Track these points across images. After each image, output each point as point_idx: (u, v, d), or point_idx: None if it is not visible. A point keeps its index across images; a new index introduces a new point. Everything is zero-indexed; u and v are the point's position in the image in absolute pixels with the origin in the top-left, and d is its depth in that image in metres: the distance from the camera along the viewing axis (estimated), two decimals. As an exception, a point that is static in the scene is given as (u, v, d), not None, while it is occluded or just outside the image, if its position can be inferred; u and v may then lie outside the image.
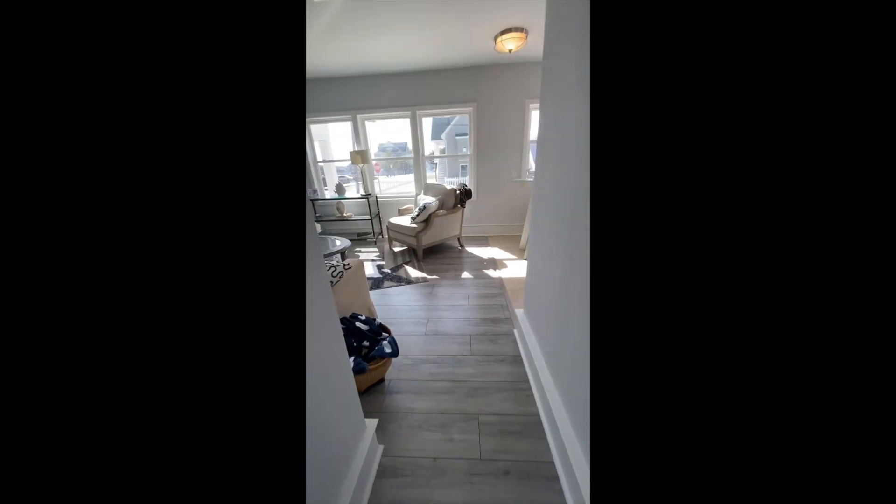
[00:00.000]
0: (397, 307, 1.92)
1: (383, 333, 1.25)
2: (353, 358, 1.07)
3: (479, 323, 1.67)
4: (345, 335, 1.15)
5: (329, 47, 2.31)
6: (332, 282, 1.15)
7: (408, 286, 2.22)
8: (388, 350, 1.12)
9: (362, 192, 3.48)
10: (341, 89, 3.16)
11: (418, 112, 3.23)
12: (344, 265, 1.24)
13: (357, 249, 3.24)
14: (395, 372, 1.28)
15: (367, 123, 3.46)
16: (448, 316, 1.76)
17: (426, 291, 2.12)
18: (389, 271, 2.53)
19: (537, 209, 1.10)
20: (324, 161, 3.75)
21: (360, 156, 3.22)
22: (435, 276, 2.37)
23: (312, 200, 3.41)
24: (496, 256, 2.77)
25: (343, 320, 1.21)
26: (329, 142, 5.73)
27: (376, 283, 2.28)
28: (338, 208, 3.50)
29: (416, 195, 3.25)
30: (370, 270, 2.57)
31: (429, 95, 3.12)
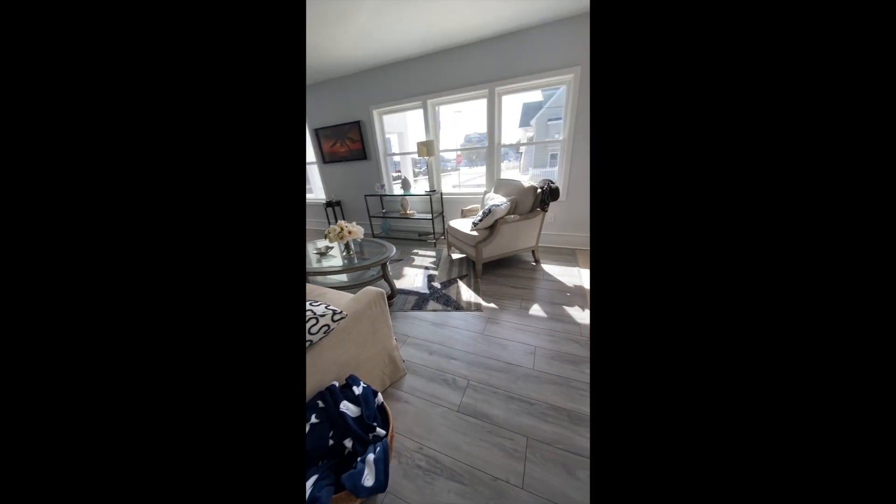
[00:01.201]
0: (432, 347, 1.46)
1: (378, 430, 0.80)
2: (312, 478, 0.66)
3: (546, 414, 1.02)
4: (315, 427, 0.75)
5: (395, 22, 1.95)
6: (309, 341, 0.75)
7: (455, 313, 1.73)
8: (367, 482, 0.66)
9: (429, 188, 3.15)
10: (411, 71, 2.82)
11: (497, 89, 2.58)
12: (334, 314, 0.84)
13: (415, 251, 2.96)
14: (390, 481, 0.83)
15: (445, 110, 3.05)
16: (498, 384, 1.18)
17: (476, 328, 1.58)
18: (439, 286, 2.10)
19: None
20: (393, 154, 3.58)
21: (425, 147, 2.85)
22: (492, 305, 1.79)
23: (380, 196, 3.29)
24: (586, 285, 1.95)
25: (321, 395, 0.82)
26: (407, 133, 5.67)
27: (419, 303, 1.88)
28: (402, 205, 3.28)
29: (485, 193, 2.66)
30: (418, 282, 2.20)
31: (512, 65, 2.42)
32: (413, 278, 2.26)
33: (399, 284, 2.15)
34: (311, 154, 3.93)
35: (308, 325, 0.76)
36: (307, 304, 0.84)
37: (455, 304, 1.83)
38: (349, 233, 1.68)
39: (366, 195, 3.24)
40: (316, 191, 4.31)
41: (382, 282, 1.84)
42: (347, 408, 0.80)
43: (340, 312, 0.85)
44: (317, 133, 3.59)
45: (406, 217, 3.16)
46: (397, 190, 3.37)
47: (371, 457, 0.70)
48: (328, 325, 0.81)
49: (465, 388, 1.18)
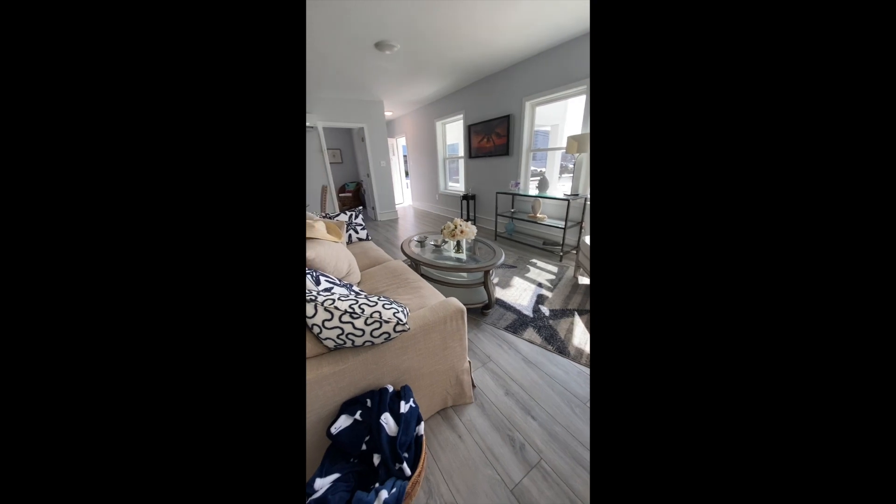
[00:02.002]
0: (512, 387, 1.21)
1: (405, 467, 0.71)
2: (333, 476, 0.67)
3: None
4: (356, 425, 0.77)
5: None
6: (370, 342, 0.77)
7: (557, 357, 1.37)
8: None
9: (571, 190, 2.65)
10: (574, 49, 2.34)
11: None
12: (398, 324, 0.80)
13: (533, 260, 2.62)
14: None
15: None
16: (577, 489, 0.81)
17: (578, 390, 1.17)
18: (548, 313, 1.74)
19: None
20: (538, 150, 3.24)
21: (577, 142, 2.36)
22: (615, 368, 1.28)
23: (512, 195, 3.12)
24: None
25: (371, 395, 0.82)
26: (563, 126, 5.01)
27: (516, 326, 1.63)
28: (532, 207, 2.97)
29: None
30: (524, 299, 1.92)
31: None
32: (520, 292, 2.01)
33: (501, 294, 1.97)
34: (461, 149, 4.25)
35: (370, 327, 0.77)
36: (381, 299, 0.85)
37: (560, 345, 1.45)
38: (461, 231, 1.66)
39: (497, 192, 3.16)
40: (458, 184, 4.68)
41: (480, 289, 1.73)
42: (387, 422, 0.77)
43: (404, 324, 0.81)
44: (469, 129, 3.80)
45: (534, 220, 2.84)
46: (533, 191, 3.06)
47: (384, 494, 0.64)
48: (388, 334, 0.79)
49: (532, 465, 0.90)
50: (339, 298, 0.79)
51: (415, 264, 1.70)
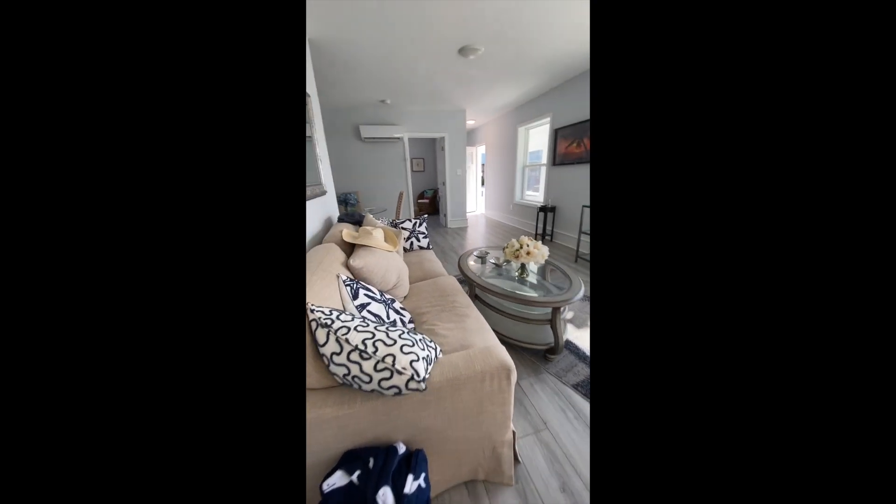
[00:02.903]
0: (568, 477, 0.86)
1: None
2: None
3: None
4: (352, 488, 0.62)
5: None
6: (378, 391, 0.61)
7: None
8: None
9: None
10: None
11: None
12: (411, 379, 0.60)
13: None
14: None
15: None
16: None
17: None
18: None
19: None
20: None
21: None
22: None
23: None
24: None
25: (375, 452, 0.65)
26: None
27: (588, 385, 1.22)
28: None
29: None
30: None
31: None
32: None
33: (575, 336, 1.55)
34: (544, 156, 3.83)
35: (379, 374, 0.61)
36: (405, 336, 0.69)
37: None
38: (527, 253, 1.36)
39: (584, 206, 2.64)
40: (537, 193, 4.24)
41: (546, 327, 1.38)
42: (385, 500, 0.59)
43: (420, 381, 0.61)
44: (556, 133, 3.36)
45: (632, 245, 2.23)
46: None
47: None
48: (399, 389, 0.61)
49: None
50: (356, 329, 0.66)
51: (469, 284, 1.50)
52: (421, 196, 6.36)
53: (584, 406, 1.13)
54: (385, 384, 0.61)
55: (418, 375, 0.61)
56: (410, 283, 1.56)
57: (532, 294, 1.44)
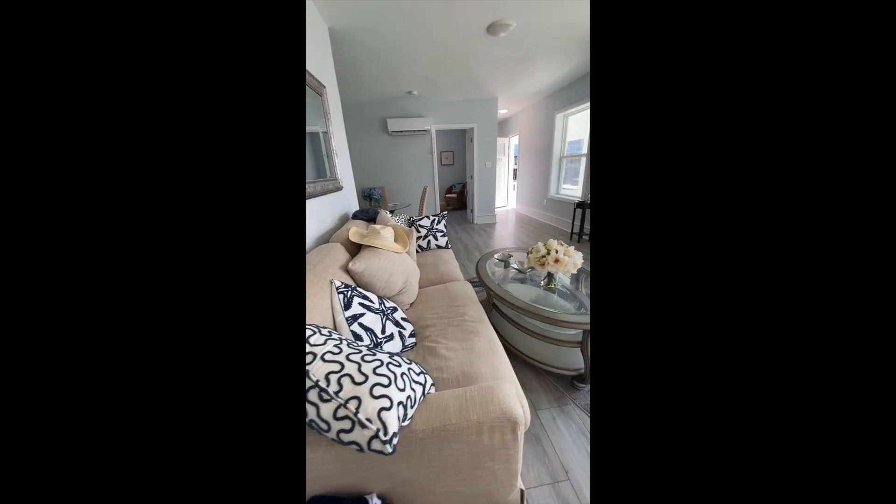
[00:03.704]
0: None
1: None
2: None
3: None
4: None
5: None
6: (336, 440, 0.49)
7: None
8: None
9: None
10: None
11: None
12: (374, 437, 0.45)
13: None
14: None
15: None
16: None
17: None
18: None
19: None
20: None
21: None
22: None
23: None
24: None
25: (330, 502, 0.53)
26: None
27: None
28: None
29: None
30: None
31: None
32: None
33: (613, 361, 1.30)
34: (585, 145, 3.41)
35: (339, 423, 0.47)
36: (381, 369, 0.55)
37: None
38: (555, 261, 1.14)
39: (630, 203, 2.26)
40: (576, 187, 3.82)
41: (577, 351, 1.15)
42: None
43: (387, 441, 0.47)
44: (599, 118, 2.94)
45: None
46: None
47: None
48: (360, 447, 0.47)
49: None
50: (323, 357, 0.54)
51: (487, 291, 1.32)
52: (449, 191, 6.21)
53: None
54: (345, 437, 0.48)
55: (385, 433, 0.47)
56: (421, 286, 1.43)
57: (559, 310, 1.22)
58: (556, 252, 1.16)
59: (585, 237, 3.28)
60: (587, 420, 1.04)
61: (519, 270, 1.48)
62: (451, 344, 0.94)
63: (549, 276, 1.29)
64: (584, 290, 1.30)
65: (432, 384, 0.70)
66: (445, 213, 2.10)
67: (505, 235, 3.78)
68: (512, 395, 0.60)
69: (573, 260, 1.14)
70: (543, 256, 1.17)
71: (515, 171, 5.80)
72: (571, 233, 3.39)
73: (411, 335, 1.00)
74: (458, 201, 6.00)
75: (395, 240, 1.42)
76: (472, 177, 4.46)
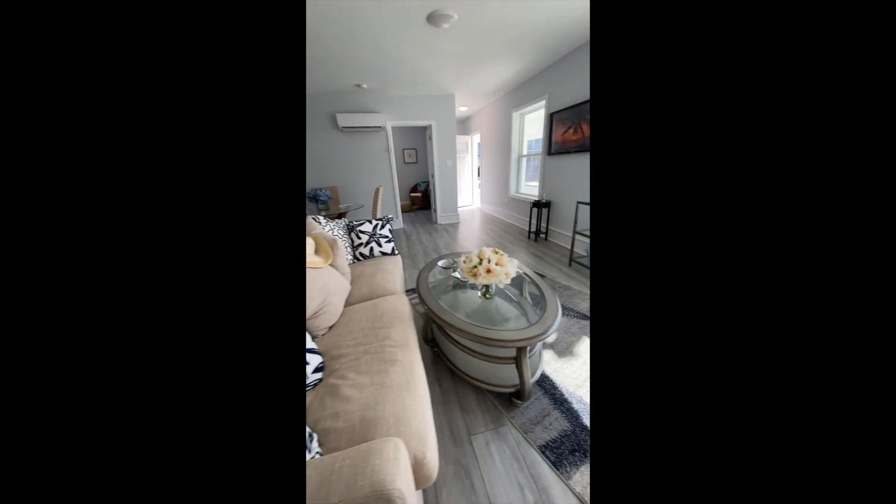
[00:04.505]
0: None
1: None
2: None
3: None
4: None
5: None
6: None
7: None
8: None
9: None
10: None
11: None
12: None
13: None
14: None
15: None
16: None
17: None
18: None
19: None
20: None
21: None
22: None
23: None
24: None
25: None
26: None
27: (562, 449, 0.92)
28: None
29: None
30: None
31: None
32: (588, 370, 1.23)
33: (555, 369, 1.24)
34: (534, 145, 3.44)
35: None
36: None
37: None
38: (486, 271, 1.05)
39: (578, 202, 2.28)
40: (534, 185, 3.86)
41: (511, 368, 1.08)
42: None
43: None
44: (551, 118, 2.97)
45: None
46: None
47: None
48: None
49: None
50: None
51: (424, 306, 1.20)
52: (414, 189, 6.03)
53: (553, 482, 0.84)
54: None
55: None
56: (349, 303, 1.28)
57: (497, 320, 1.14)
58: (488, 261, 1.08)
59: (543, 236, 3.32)
60: (522, 440, 0.97)
61: (459, 280, 1.38)
62: (361, 378, 0.80)
63: (486, 288, 1.20)
64: (530, 296, 1.24)
65: (318, 450, 0.56)
66: (391, 216, 1.95)
67: (467, 236, 3.71)
68: (393, 459, 0.49)
69: (505, 270, 1.06)
70: (475, 267, 1.07)
71: (480, 169, 5.78)
72: (529, 231, 3.41)
73: (316, 370, 0.85)
74: (423, 200, 5.85)
75: (317, 252, 1.25)
76: (432, 176, 4.33)
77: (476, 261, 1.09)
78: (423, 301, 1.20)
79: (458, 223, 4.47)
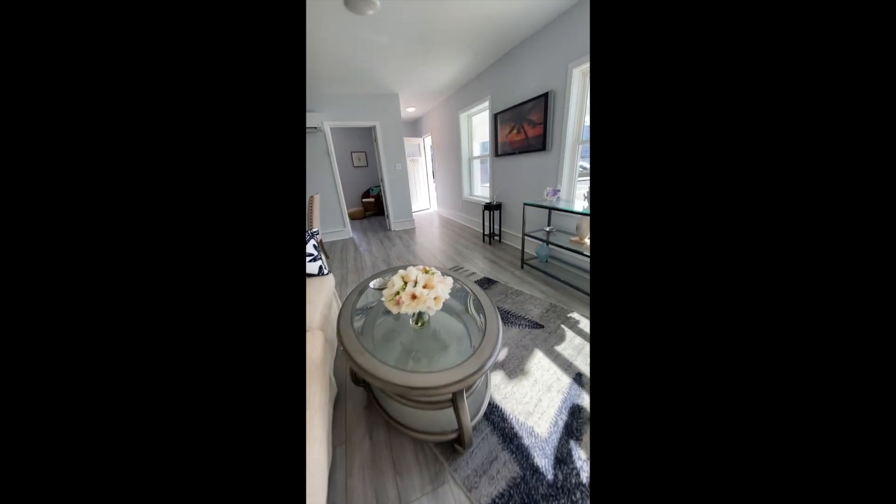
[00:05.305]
0: None
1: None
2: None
3: None
4: None
5: None
6: None
7: None
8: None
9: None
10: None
11: None
12: None
13: (571, 314, 1.65)
14: None
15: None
16: None
17: None
18: (587, 470, 0.83)
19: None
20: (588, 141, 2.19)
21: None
22: None
23: (548, 208, 2.15)
24: None
25: None
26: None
27: (530, 484, 0.77)
28: (577, 229, 1.97)
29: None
30: (548, 411, 1.02)
31: None
32: (540, 392, 1.10)
33: (504, 393, 1.09)
34: (487, 147, 3.39)
35: None
36: None
37: None
38: (412, 297, 0.86)
39: (525, 203, 2.22)
40: (482, 189, 3.81)
41: (451, 411, 0.90)
42: None
43: None
44: (495, 118, 2.92)
45: (579, 249, 1.85)
46: (580, 202, 2.06)
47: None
48: None
49: None
50: None
51: (340, 341, 0.97)
52: (366, 195, 5.67)
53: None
54: None
55: None
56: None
57: (428, 356, 0.95)
58: (415, 284, 0.89)
59: (496, 238, 3.26)
60: (464, 501, 0.80)
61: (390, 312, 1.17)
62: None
63: (419, 315, 1.01)
64: (474, 312, 1.07)
65: None
66: (317, 230, 1.67)
67: (423, 243, 3.51)
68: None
69: (434, 294, 0.88)
70: (397, 294, 0.88)
71: (434, 172, 5.64)
72: (483, 234, 3.34)
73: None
74: (376, 206, 5.52)
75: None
76: (382, 180, 4.06)
77: (399, 285, 0.89)
78: (340, 340, 0.96)
79: (413, 229, 4.24)
